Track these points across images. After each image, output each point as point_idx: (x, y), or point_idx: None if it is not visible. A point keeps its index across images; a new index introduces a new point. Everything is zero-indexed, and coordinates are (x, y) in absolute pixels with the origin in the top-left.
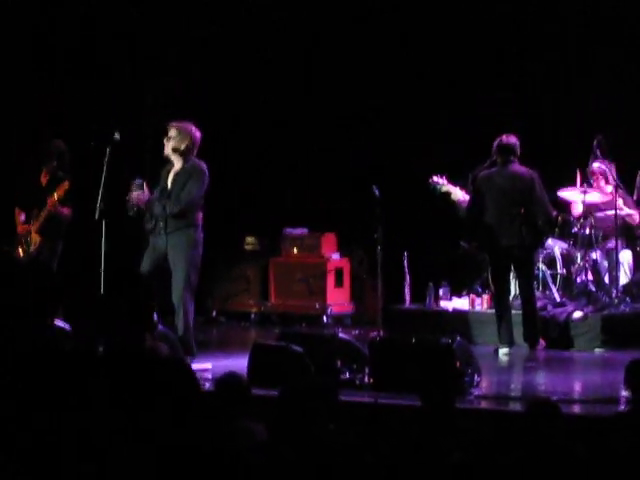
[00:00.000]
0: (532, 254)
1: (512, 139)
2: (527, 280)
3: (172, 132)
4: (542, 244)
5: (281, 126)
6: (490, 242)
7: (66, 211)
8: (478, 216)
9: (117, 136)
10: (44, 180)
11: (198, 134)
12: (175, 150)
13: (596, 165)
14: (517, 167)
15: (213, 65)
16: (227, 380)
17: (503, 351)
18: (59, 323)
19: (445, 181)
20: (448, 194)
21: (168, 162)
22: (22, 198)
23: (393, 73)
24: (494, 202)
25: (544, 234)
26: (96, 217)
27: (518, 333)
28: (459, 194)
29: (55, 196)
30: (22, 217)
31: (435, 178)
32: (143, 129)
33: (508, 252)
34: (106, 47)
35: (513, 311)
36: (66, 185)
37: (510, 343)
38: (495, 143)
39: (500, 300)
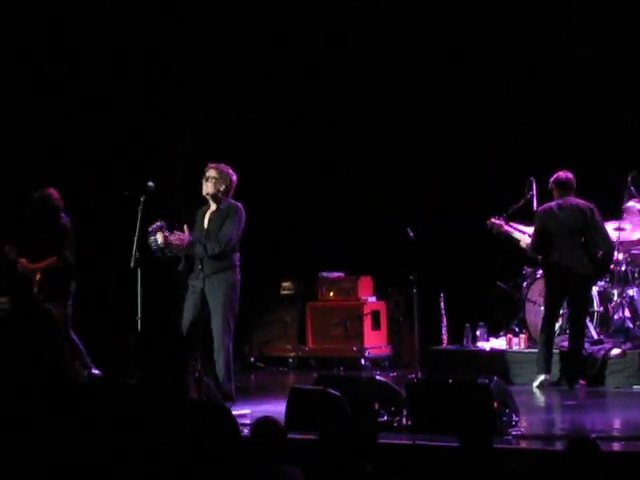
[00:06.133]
0: (590, 285)
1: (570, 174)
2: (579, 313)
3: (211, 172)
4: (601, 276)
5: (315, 170)
6: (551, 267)
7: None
8: (542, 250)
9: (151, 184)
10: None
11: (235, 177)
12: (213, 192)
13: (631, 204)
14: (575, 199)
15: (248, 108)
16: (263, 425)
17: (539, 379)
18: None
19: (503, 222)
20: (503, 235)
21: (205, 204)
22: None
23: (427, 114)
24: (555, 233)
25: (604, 266)
26: (131, 265)
27: (556, 371)
28: (524, 238)
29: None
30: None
31: (493, 219)
32: (176, 177)
33: (567, 278)
34: (140, 95)
35: (554, 350)
36: (52, 261)
37: (547, 370)
38: (552, 179)
39: (547, 325)
